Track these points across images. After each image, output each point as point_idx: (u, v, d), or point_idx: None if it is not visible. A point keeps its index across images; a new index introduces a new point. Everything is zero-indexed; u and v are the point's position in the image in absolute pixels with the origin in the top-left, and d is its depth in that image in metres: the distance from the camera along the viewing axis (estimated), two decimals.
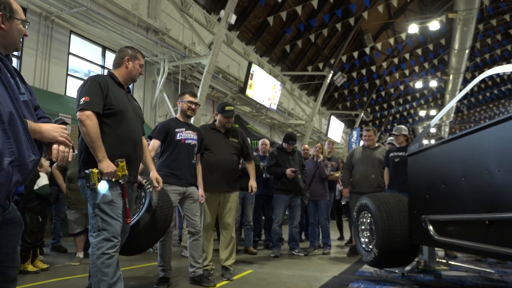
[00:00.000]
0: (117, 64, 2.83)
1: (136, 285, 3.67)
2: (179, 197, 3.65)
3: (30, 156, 1.50)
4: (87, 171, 2.47)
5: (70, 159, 1.88)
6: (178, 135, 3.70)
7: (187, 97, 3.83)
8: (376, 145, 5.94)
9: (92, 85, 2.59)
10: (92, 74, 9.17)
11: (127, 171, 2.57)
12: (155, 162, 4.05)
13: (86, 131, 2.48)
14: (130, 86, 2.99)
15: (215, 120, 4.28)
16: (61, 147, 1.82)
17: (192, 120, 10.62)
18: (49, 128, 1.79)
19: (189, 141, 3.73)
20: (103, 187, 2.52)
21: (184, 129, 3.75)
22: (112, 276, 2.48)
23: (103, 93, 2.59)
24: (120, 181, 2.56)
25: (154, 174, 3.04)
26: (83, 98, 2.51)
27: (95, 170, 2.46)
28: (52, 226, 5.89)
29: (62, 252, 5.64)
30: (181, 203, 3.72)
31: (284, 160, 5.80)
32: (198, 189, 3.83)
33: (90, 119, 2.48)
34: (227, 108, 4.17)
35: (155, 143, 3.66)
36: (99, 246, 2.49)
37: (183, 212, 3.78)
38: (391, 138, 6.87)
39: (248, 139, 7.49)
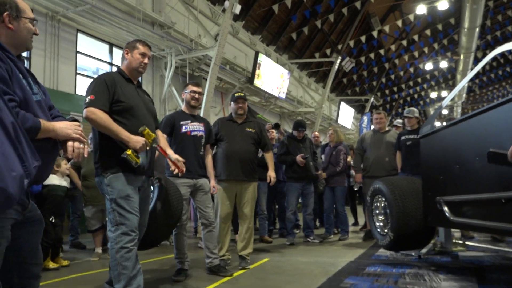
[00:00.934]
0: (122, 59, 2.87)
1: (153, 278, 3.73)
2: (190, 190, 3.67)
3: (33, 162, 1.51)
4: (123, 155, 2.48)
5: (86, 155, 1.91)
6: (184, 127, 3.71)
7: (190, 87, 3.84)
8: (387, 128, 5.90)
9: (98, 83, 2.63)
10: (100, 71, 9.24)
11: (153, 134, 2.62)
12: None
13: (98, 124, 2.52)
14: (139, 81, 3.01)
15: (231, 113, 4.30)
16: (76, 144, 1.85)
17: (201, 112, 10.62)
18: (63, 126, 1.82)
19: (195, 133, 3.74)
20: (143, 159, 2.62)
21: (189, 121, 3.75)
22: (131, 269, 2.52)
23: (110, 91, 2.61)
24: (153, 145, 2.63)
25: (173, 155, 2.99)
26: (89, 97, 2.56)
27: (129, 152, 2.49)
28: (70, 224, 6.00)
29: (81, 249, 5.75)
30: (192, 195, 3.75)
31: (295, 148, 5.79)
32: (209, 180, 3.86)
33: (95, 113, 2.51)
34: (236, 94, 4.26)
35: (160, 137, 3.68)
36: (117, 241, 2.53)
37: (195, 204, 3.81)
38: (398, 120, 6.83)
39: None
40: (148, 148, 2.60)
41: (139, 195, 2.72)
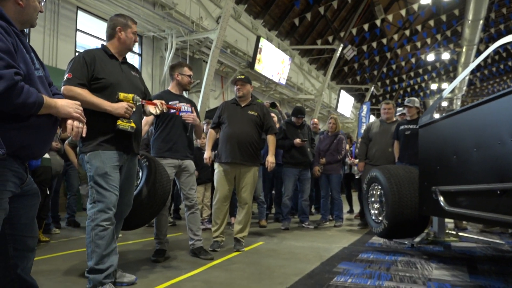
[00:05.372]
0: (109, 36, 2.80)
1: (134, 259, 3.70)
2: (175, 170, 3.65)
3: None
4: (117, 128, 2.55)
5: (84, 135, 1.92)
6: None
7: (187, 71, 3.78)
8: (394, 119, 5.91)
9: (76, 61, 2.61)
10: None
11: (129, 94, 2.64)
12: (150, 135, 4.08)
13: (78, 100, 2.47)
14: (138, 64, 2.98)
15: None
16: (75, 123, 1.87)
17: (200, 96, 10.54)
18: (64, 104, 1.83)
19: (183, 113, 3.68)
20: (153, 110, 2.82)
21: (177, 101, 3.70)
22: (104, 248, 2.54)
23: (88, 68, 2.60)
24: (138, 103, 2.67)
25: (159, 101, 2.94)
26: (66, 75, 2.55)
27: (119, 122, 2.56)
28: (67, 202, 6.02)
29: (76, 227, 5.78)
30: (177, 176, 3.72)
31: (293, 133, 5.81)
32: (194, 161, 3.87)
33: (71, 90, 2.49)
34: (237, 77, 4.26)
35: (149, 117, 3.57)
36: (93, 218, 2.54)
37: (179, 185, 3.77)
38: (400, 109, 6.82)
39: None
40: (134, 109, 2.63)
41: (123, 174, 2.72)
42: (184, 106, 3.71)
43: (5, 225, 1.73)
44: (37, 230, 1.91)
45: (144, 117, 3.39)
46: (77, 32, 8.82)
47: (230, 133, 4.07)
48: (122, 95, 2.61)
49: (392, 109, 5.87)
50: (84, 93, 2.53)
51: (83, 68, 2.58)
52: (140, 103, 2.71)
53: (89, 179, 2.61)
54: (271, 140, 4.29)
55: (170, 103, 3.62)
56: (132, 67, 2.95)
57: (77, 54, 8.59)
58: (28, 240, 1.86)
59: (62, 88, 2.51)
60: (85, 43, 9.14)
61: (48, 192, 4.45)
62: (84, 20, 9.04)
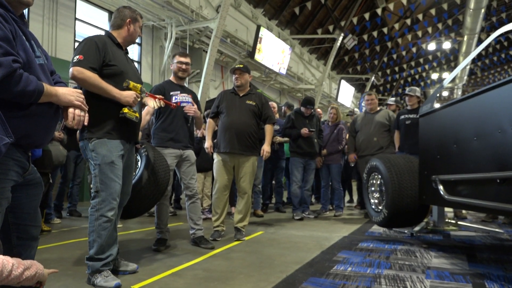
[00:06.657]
0: (117, 25, 2.78)
1: (136, 248, 3.73)
2: (176, 160, 3.65)
3: (3, 139, 1.47)
4: (121, 115, 2.55)
5: (86, 123, 1.91)
6: (174, 98, 3.65)
7: (177, 58, 3.76)
8: (378, 108, 5.95)
9: (88, 44, 2.55)
10: None
11: (137, 84, 2.67)
12: (151, 125, 4.09)
13: (87, 83, 2.46)
14: (138, 53, 2.98)
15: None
16: (77, 111, 1.85)
17: (200, 86, 10.53)
18: (65, 92, 1.81)
19: (184, 104, 3.67)
20: (151, 104, 2.85)
21: (179, 92, 3.70)
22: (106, 238, 2.55)
23: (100, 53, 2.56)
24: (143, 95, 2.70)
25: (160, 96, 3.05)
26: (77, 57, 2.48)
27: (125, 110, 2.55)
28: (69, 191, 6.03)
29: (77, 216, 5.80)
30: (178, 166, 3.73)
31: (301, 123, 5.80)
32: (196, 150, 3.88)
33: (83, 72, 2.45)
34: (236, 66, 4.25)
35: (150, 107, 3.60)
36: (97, 208, 2.54)
37: (179, 175, 3.77)
38: (391, 98, 6.90)
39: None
40: (139, 99, 2.64)
41: (123, 163, 2.71)
42: (185, 97, 3.70)
43: (9, 214, 1.74)
44: (40, 219, 1.92)
45: (146, 107, 3.40)
46: (76, 22, 8.76)
47: (229, 123, 4.07)
48: (132, 83, 2.60)
49: (375, 100, 5.97)
50: (94, 77, 2.48)
51: (96, 52, 2.53)
52: (145, 95, 2.72)
53: (93, 168, 2.58)
54: (268, 129, 4.27)
55: (171, 93, 3.64)
56: (131, 59, 2.95)
57: (78, 41, 8.58)
58: (31, 229, 1.86)
59: (72, 69, 2.45)
60: (84, 32, 9.09)
61: (51, 181, 4.48)
62: (83, 9, 8.98)
